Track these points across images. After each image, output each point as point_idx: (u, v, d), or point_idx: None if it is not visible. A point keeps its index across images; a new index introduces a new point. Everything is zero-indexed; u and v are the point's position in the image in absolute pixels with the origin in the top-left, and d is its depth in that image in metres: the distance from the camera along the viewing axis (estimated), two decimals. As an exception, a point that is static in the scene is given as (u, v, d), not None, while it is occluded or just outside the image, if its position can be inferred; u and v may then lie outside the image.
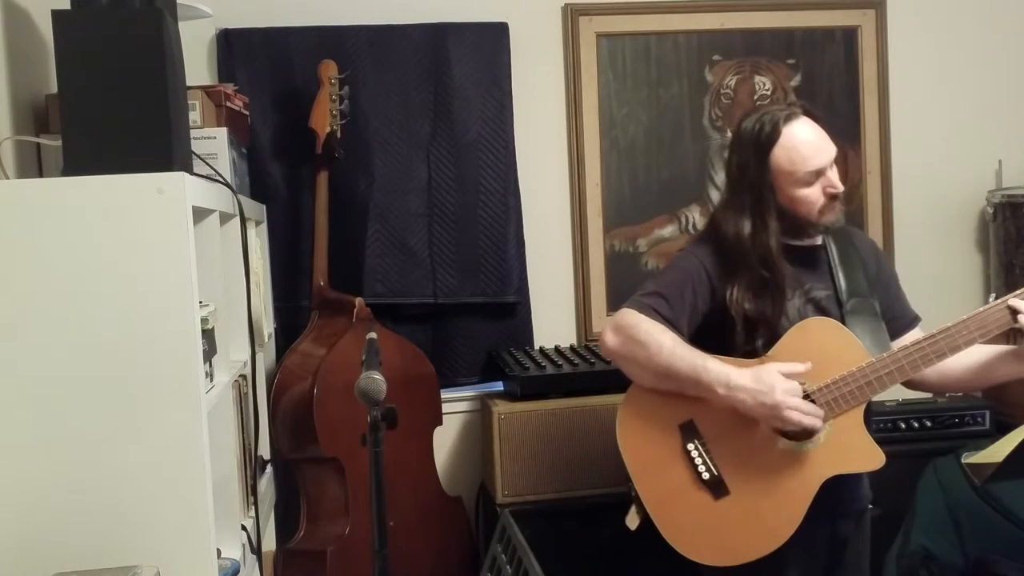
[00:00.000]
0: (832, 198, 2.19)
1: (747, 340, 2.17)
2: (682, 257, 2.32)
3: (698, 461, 2.18)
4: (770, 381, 2.08)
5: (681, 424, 2.19)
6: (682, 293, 2.20)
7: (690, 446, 2.19)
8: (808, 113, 2.21)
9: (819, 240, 2.28)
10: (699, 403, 2.16)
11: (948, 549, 2.67)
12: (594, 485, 2.88)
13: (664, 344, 2.13)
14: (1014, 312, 2.10)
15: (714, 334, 2.20)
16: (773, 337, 2.16)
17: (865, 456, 2.17)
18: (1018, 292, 2.14)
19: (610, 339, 2.20)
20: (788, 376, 2.10)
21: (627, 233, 3.44)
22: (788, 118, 2.17)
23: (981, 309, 2.14)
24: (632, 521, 2.24)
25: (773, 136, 2.16)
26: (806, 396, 2.12)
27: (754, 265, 2.16)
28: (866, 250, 2.37)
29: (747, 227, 2.18)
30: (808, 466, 2.14)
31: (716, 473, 2.17)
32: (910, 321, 2.37)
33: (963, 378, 2.28)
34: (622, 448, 2.24)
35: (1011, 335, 2.21)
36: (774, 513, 2.15)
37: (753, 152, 2.18)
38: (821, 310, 2.23)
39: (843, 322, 2.20)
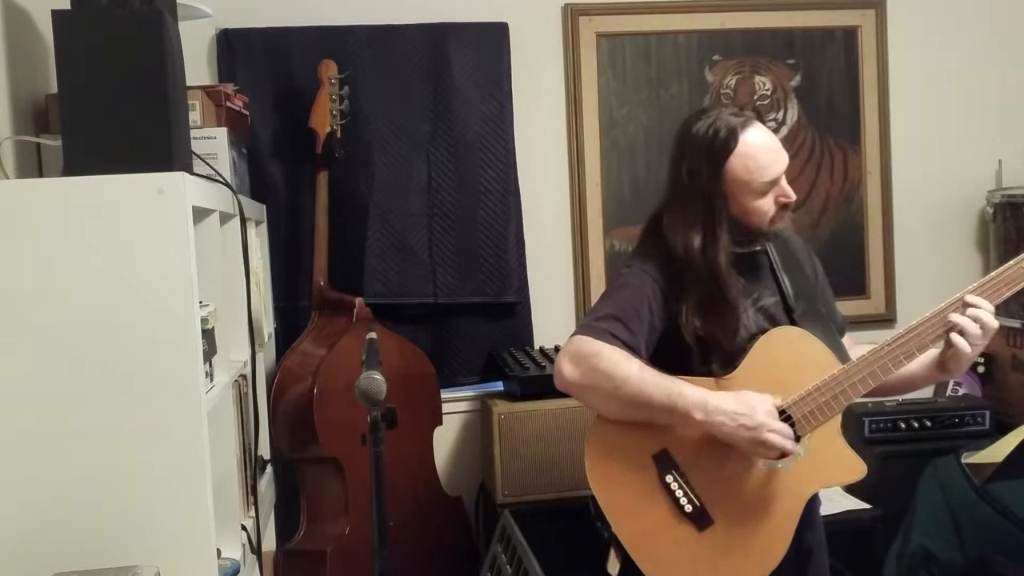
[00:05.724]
0: (784, 207, 2.09)
1: (703, 361, 2.06)
2: (632, 274, 2.12)
3: (679, 493, 2.04)
4: (751, 403, 1.99)
5: (654, 455, 2.05)
6: (639, 313, 2.04)
7: (668, 478, 2.05)
8: (761, 119, 2.10)
9: (759, 245, 2.17)
10: (669, 431, 2.03)
11: (948, 549, 2.67)
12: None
13: (631, 372, 1.97)
14: (966, 306, 2.05)
15: (671, 354, 2.06)
16: (727, 356, 2.06)
17: (846, 467, 2.09)
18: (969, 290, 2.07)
19: (568, 371, 2.01)
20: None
21: (627, 233, 3.44)
22: (744, 124, 2.04)
23: (940, 306, 2.08)
24: (613, 567, 2.09)
25: (729, 144, 2.02)
26: (781, 412, 2.03)
27: (704, 281, 2.03)
28: (801, 252, 2.28)
29: (697, 241, 2.03)
30: (791, 483, 2.05)
31: (699, 504, 2.04)
32: (842, 324, 2.30)
33: (893, 384, 2.16)
34: (594, 488, 2.07)
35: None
36: (763, 536, 2.05)
37: (706, 159, 2.04)
38: (771, 318, 2.13)
39: (794, 327, 2.12)
